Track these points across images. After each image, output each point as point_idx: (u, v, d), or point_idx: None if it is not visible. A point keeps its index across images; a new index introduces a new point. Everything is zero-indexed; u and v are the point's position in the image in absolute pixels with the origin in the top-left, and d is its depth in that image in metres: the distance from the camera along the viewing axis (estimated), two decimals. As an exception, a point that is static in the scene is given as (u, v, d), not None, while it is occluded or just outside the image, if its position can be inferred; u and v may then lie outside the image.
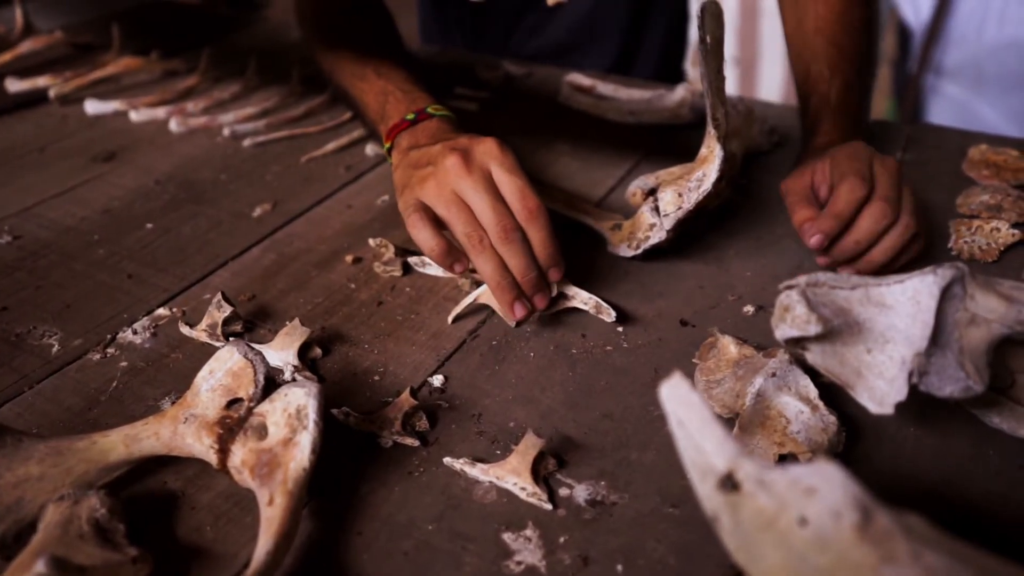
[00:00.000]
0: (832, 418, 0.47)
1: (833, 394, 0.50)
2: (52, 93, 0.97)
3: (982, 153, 0.79)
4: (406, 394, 0.52)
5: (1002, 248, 0.65)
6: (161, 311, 0.62)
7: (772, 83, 2.39)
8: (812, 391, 0.48)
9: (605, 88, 0.94)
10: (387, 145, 0.67)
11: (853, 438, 0.49)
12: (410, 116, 0.66)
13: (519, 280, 0.56)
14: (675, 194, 0.62)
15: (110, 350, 0.58)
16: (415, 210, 0.56)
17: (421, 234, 0.55)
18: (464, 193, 0.55)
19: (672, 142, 0.85)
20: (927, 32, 1.17)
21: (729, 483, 0.32)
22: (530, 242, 0.55)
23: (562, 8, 1.12)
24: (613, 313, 0.59)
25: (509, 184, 0.55)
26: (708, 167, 0.60)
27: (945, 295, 0.41)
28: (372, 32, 0.82)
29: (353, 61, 0.77)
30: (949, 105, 1.18)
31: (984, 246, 0.65)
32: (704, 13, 0.57)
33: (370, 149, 0.84)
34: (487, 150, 0.56)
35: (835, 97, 0.71)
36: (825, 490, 0.29)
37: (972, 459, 0.48)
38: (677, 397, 0.33)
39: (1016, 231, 0.66)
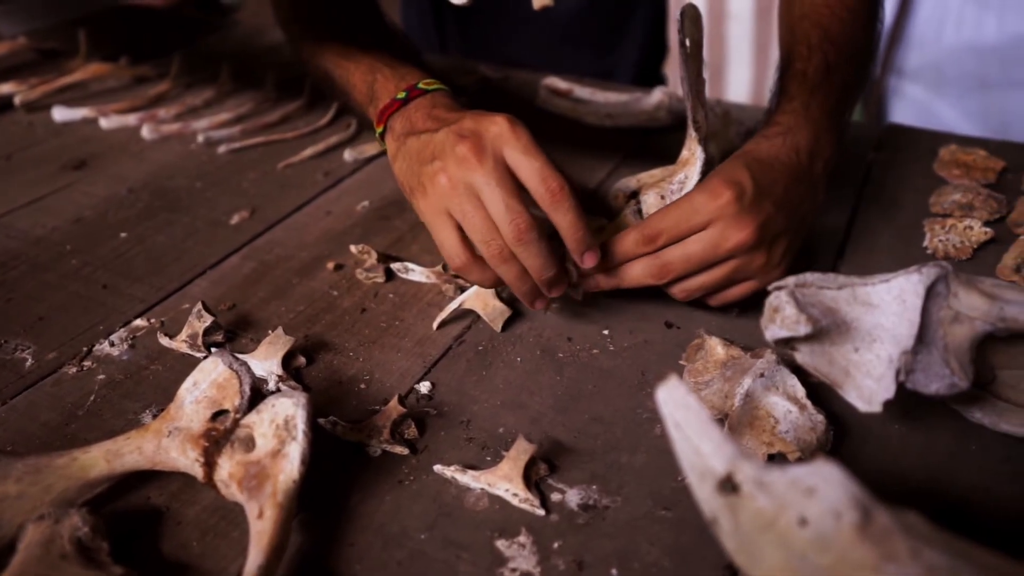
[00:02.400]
0: (820, 417, 0.47)
1: (820, 393, 0.50)
2: (18, 100, 0.95)
3: (952, 153, 0.80)
4: (394, 402, 0.51)
5: (975, 246, 0.66)
6: (139, 322, 0.60)
7: (740, 86, 2.42)
8: (800, 391, 0.48)
9: (582, 92, 0.94)
10: (379, 130, 0.62)
11: (840, 436, 0.49)
12: (400, 95, 0.60)
13: (537, 281, 0.53)
14: (657, 196, 0.62)
15: (86, 363, 0.57)
16: (439, 213, 0.52)
17: (447, 241, 0.52)
18: (478, 188, 0.50)
19: (650, 145, 0.86)
20: (889, 35, 1.19)
21: (728, 485, 0.32)
22: (556, 228, 0.51)
23: (544, 13, 1.12)
24: None
25: (526, 167, 0.50)
26: (690, 169, 0.61)
27: (929, 293, 0.42)
28: (356, 12, 0.77)
29: (336, 42, 0.71)
30: (911, 106, 1.20)
31: (958, 244, 0.66)
32: (683, 17, 0.57)
33: (348, 154, 0.84)
34: (499, 133, 0.50)
35: (813, 74, 0.63)
36: (825, 490, 0.30)
37: (956, 454, 0.48)
38: (674, 399, 0.33)
39: (988, 229, 0.67)
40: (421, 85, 0.61)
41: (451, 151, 0.51)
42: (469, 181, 0.50)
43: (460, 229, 0.52)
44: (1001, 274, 0.63)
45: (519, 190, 0.50)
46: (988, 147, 0.81)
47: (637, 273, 0.55)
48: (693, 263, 0.54)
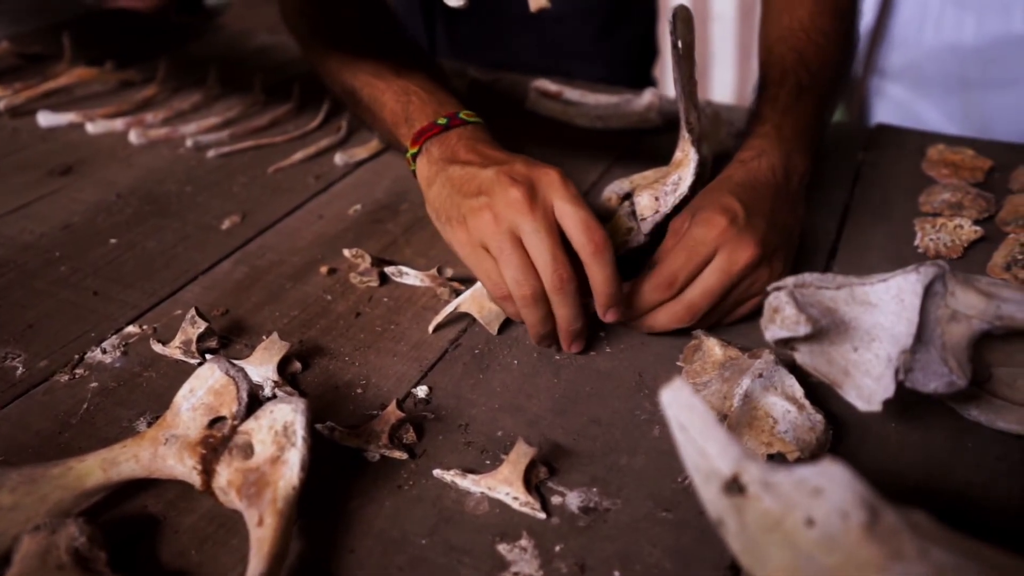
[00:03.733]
0: (819, 417, 0.47)
1: (818, 393, 0.51)
2: (2, 105, 0.94)
3: (940, 153, 0.81)
4: (392, 406, 0.51)
5: (966, 244, 0.67)
6: (131, 328, 0.60)
7: (724, 87, 2.44)
8: (798, 390, 0.48)
9: (572, 94, 0.94)
10: (413, 151, 0.62)
11: (838, 436, 0.50)
12: (442, 120, 0.61)
13: (560, 329, 0.54)
14: (652, 198, 0.62)
15: (79, 371, 0.56)
16: (477, 246, 0.53)
17: (491, 273, 0.53)
18: (523, 232, 0.51)
19: (641, 146, 0.86)
20: (870, 35, 1.20)
21: (734, 486, 0.32)
22: (590, 280, 0.52)
23: (534, 17, 1.12)
24: None
25: (573, 216, 0.51)
26: (684, 170, 0.61)
27: (927, 292, 0.42)
28: (382, 28, 0.77)
29: (365, 58, 0.71)
30: (893, 106, 1.21)
31: (949, 243, 0.67)
32: (676, 19, 0.57)
33: (339, 158, 0.83)
34: (551, 183, 0.52)
35: (784, 97, 0.66)
36: (831, 490, 0.30)
37: (952, 452, 0.49)
38: (678, 401, 0.33)
39: (978, 228, 0.68)
40: (462, 115, 0.62)
41: (502, 192, 0.52)
42: (516, 223, 0.51)
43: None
44: (992, 272, 0.63)
45: (563, 240, 0.52)
46: (975, 146, 0.81)
47: (665, 321, 0.56)
48: (715, 295, 0.55)
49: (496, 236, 0.52)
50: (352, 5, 0.79)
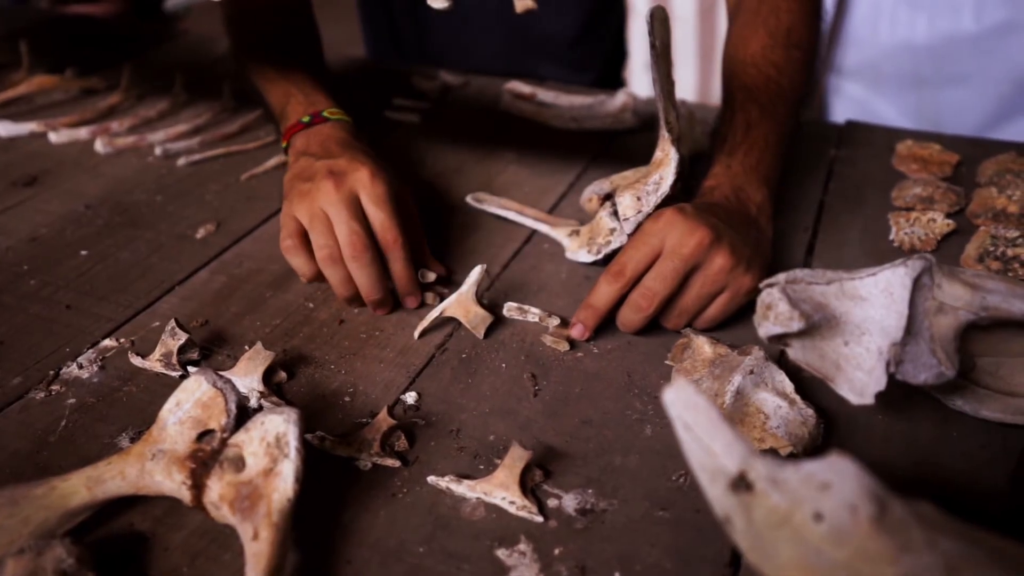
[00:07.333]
0: (810, 411, 0.48)
1: (807, 387, 0.51)
2: (-41, 115, 0.91)
3: (909, 148, 0.83)
4: (383, 414, 0.50)
5: (939, 237, 0.68)
6: (107, 342, 0.58)
7: (686, 86, 2.47)
8: (788, 386, 0.49)
9: (546, 95, 0.94)
10: (284, 144, 0.71)
11: (827, 429, 0.50)
12: (305, 118, 0.70)
13: (364, 298, 0.60)
14: (633, 198, 0.62)
15: (55, 387, 0.54)
16: (289, 235, 0.60)
17: (295, 260, 0.60)
18: (329, 211, 0.59)
19: (616, 147, 0.86)
20: (827, 35, 1.22)
21: (742, 483, 0.32)
22: (389, 268, 0.60)
23: (507, 22, 1.12)
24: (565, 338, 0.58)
25: (373, 216, 0.60)
26: (664, 170, 0.61)
27: (915, 285, 0.43)
28: (289, 37, 0.83)
29: (264, 62, 0.79)
30: (850, 103, 1.23)
31: (923, 236, 0.68)
32: (653, 19, 0.58)
33: (313, 164, 0.82)
34: (359, 178, 0.60)
35: (732, 135, 0.68)
36: (839, 484, 0.30)
37: (938, 441, 0.50)
38: (682, 401, 0.33)
39: (950, 221, 0.69)
40: (325, 113, 0.70)
41: (320, 180, 0.60)
42: (323, 206, 0.59)
43: (303, 229, 0.60)
44: (966, 264, 0.64)
45: (364, 220, 0.60)
46: (942, 141, 0.83)
47: (627, 314, 0.57)
48: (667, 279, 0.55)
49: (307, 214, 0.60)
50: (271, 19, 0.84)
